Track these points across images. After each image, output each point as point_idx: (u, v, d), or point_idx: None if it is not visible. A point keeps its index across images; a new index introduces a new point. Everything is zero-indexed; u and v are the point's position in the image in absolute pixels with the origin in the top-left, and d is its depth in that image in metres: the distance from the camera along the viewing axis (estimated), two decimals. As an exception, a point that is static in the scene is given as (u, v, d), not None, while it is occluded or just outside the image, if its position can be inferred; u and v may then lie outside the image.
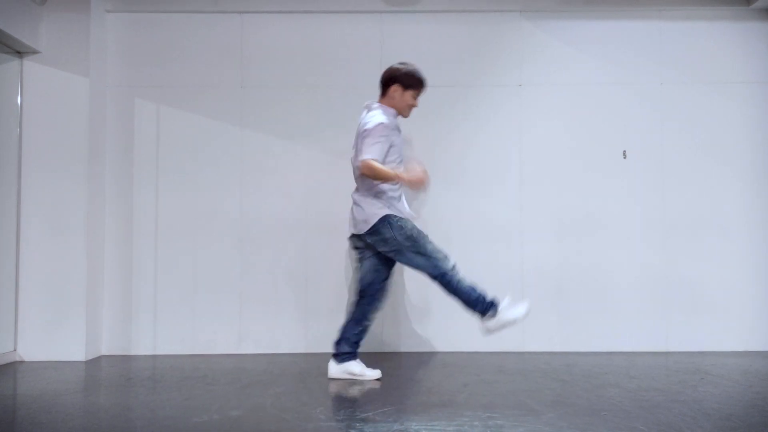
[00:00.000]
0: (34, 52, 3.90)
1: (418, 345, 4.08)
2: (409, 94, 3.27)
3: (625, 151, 4.16)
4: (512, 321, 3.13)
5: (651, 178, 4.15)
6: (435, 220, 4.11)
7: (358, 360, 3.30)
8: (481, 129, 4.17)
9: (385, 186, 3.19)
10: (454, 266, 3.17)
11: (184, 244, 4.10)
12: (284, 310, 4.10)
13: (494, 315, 3.13)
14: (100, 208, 4.05)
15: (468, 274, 4.02)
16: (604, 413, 2.59)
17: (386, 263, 3.30)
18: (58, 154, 3.89)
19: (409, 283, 4.08)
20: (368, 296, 3.29)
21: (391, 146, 3.19)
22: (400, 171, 3.14)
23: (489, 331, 3.17)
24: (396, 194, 3.25)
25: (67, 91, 3.90)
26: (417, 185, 3.13)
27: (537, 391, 2.98)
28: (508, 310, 3.14)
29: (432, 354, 4.00)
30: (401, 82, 3.27)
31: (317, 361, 3.79)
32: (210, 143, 4.14)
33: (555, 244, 4.13)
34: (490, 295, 3.15)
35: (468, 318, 4.04)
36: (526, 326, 4.08)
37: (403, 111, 3.31)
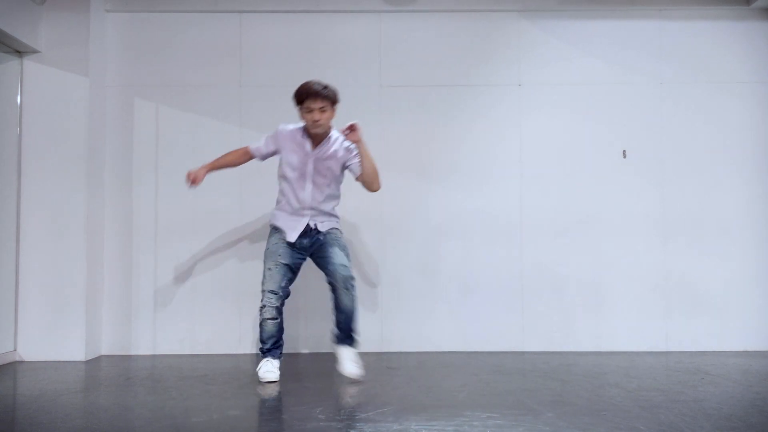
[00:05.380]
0: (34, 51, 3.89)
1: (418, 345, 4.08)
2: (301, 110, 3.23)
3: (624, 151, 4.16)
4: (261, 378, 3.22)
5: (651, 177, 4.15)
6: (435, 219, 4.11)
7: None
8: (480, 128, 4.17)
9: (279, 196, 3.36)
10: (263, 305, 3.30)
11: (183, 244, 4.10)
12: (283, 310, 4.08)
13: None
14: (100, 207, 4.05)
15: (468, 273, 4.09)
16: (604, 413, 2.59)
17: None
18: (57, 153, 3.89)
19: (408, 282, 4.08)
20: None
21: (280, 155, 3.31)
22: (205, 166, 3.40)
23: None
24: (282, 204, 3.33)
25: (66, 91, 3.90)
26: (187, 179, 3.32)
27: (536, 391, 2.98)
28: (261, 369, 3.25)
29: (431, 354, 3.99)
30: (296, 104, 3.28)
31: (317, 361, 3.79)
32: (209, 142, 4.12)
33: (554, 243, 4.12)
34: (267, 347, 3.29)
35: (467, 318, 4.08)
36: (525, 326, 4.09)
37: (308, 128, 3.25)
